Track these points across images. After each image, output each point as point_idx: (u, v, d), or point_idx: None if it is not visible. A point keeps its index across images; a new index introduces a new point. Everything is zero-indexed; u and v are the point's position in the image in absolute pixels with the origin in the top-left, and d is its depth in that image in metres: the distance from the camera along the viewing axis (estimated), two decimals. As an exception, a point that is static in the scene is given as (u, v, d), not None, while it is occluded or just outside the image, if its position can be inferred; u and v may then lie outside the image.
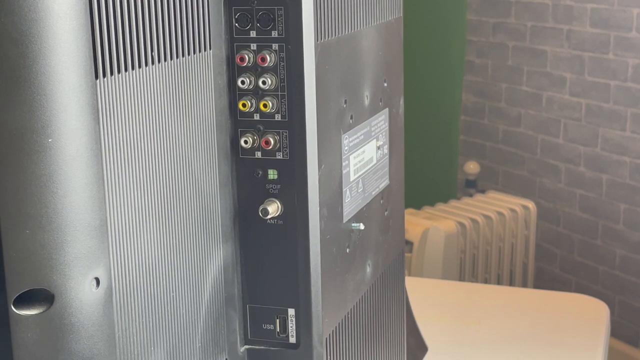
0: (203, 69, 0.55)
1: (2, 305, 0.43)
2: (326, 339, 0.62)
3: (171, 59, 0.51)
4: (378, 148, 0.73)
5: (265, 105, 0.58)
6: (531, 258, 2.37)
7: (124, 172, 0.47)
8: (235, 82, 0.58)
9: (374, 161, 0.72)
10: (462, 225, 2.20)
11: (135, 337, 0.49)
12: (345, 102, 0.64)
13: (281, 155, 0.58)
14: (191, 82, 0.53)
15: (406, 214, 2.03)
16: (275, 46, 0.57)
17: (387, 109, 0.74)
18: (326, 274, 0.61)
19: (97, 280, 0.44)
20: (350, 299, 0.68)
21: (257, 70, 0.57)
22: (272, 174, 0.59)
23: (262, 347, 0.62)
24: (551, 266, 2.60)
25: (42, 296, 0.43)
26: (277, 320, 0.61)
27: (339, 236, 0.64)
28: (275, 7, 0.56)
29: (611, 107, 2.36)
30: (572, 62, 2.45)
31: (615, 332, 2.38)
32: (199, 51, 0.54)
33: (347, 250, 0.66)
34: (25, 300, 0.43)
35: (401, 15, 0.78)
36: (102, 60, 0.44)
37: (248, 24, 0.57)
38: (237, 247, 0.60)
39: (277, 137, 0.58)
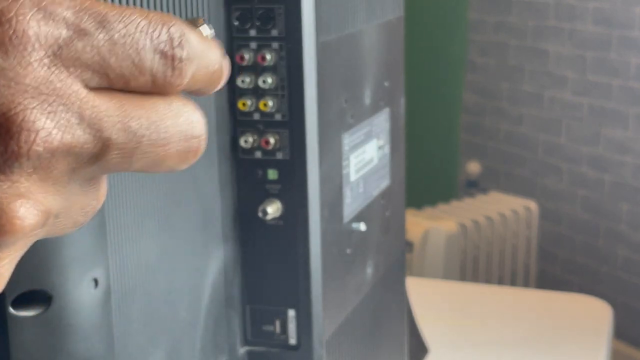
0: (202, 68, 0.54)
1: (0, 306, 0.43)
2: (326, 340, 0.62)
3: (170, 58, 0.50)
4: (379, 148, 0.72)
5: (265, 105, 0.57)
6: (533, 259, 2.37)
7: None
8: (235, 81, 0.57)
9: (375, 161, 0.72)
10: (463, 225, 2.20)
11: (134, 338, 0.48)
12: (346, 101, 0.64)
13: (281, 155, 0.58)
14: (190, 81, 0.53)
15: (407, 214, 2.03)
16: (275, 45, 0.56)
17: (388, 108, 0.74)
18: (326, 274, 0.61)
19: (96, 281, 0.44)
20: (351, 300, 0.67)
21: (256, 70, 0.57)
22: (272, 174, 0.59)
23: (262, 349, 0.61)
24: (553, 267, 2.59)
25: (41, 297, 0.43)
26: (277, 321, 0.61)
27: (339, 237, 0.64)
28: (275, 6, 0.56)
29: (613, 107, 2.35)
30: (574, 61, 2.44)
31: (618, 333, 2.38)
32: (199, 50, 0.54)
33: (348, 251, 0.66)
34: (23, 301, 0.43)
35: (402, 14, 0.78)
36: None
37: (248, 22, 0.57)
38: (237, 248, 0.60)
39: (277, 137, 0.58)
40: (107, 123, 0.24)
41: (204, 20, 0.27)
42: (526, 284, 2.38)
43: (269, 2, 0.56)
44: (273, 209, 0.58)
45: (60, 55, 0.24)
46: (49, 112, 0.24)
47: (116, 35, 0.24)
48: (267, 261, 0.60)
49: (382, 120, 0.73)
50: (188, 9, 0.52)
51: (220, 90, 0.56)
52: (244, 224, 0.60)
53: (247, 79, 0.57)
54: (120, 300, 0.47)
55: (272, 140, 0.58)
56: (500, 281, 2.33)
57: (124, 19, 0.25)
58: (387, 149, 0.75)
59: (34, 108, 0.23)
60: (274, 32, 0.56)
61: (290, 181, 0.58)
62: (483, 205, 2.32)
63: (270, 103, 0.57)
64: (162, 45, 0.25)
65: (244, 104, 0.58)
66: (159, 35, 0.25)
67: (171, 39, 0.25)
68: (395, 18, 0.76)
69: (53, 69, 0.24)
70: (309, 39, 0.57)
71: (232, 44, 0.57)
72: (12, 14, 0.23)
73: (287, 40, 0.56)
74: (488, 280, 2.30)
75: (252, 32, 0.57)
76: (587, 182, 2.46)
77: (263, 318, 0.61)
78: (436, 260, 2.14)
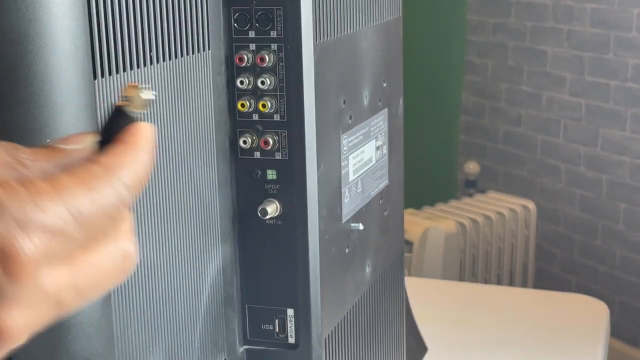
0: (202, 69, 0.55)
1: None
2: (325, 339, 0.62)
3: (170, 59, 0.51)
4: (377, 148, 0.73)
5: (264, 106, 0.58)
6: (531, 258, 2.37)
7: (123, 172, 0.47)
8: (234, 82, 0.58)
9: (373, 161, 0.72)
10: (462, 225, 2.20)
11: (133, 338, 0.49)
12: (345, 102, 0.64)
13: (280, 156, 0.58)
14: (190, 82, 0.53)
15: (406, 214, 2.03)
16: (274, 46, 0.57)
17: (386, 109, 0.74)
18: (325, 274, 0.61)
19: (96, 281, 0.44)
20: (350, 299, 0.68)
21: (256, 71, 0.57)
22: (271, 174, 0.59)
23: (261, 348, 0.62)
24: (551, 266, 2.60)
25: (41, 296, 0.43)
26: (276, 320, 0.61)
27: (338, 236, 0.64)
28: (274, 7, 0.56)
29: (611, 107, 2.36)
30: (572, 62, 2.45)
31: (615, 332, 2.38)
32: (198, 51, 0.54)
33: (346, 250, 0.66)
34: (23, 300, 0.43)
35: (400, 15, 0.78)
36: (100, 61, 0.44)
37: (247, 24, 0.57)
38: (236, 248, 0.60)
39: (276, 137, 0.58)
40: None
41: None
42: (524, 283, 2.38)
43: (268, 3, 0.56)
44: (272, 209, 0.59)
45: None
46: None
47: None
48: (265, 261, 0.60)
49: (380, 121, 0.73)
50: (187, 9, 0.53)
51: (220, 91, 0.57)
52: (243, 223, 0.60)
53: (246, 80, 0.57)
54: (120, 300, 0.47)
55: (271, 141, 0.58)
56: (499, 280, 2.33)
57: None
58: (385, 150, 0.75)
59: None
60: (273, 34, 0.57)
61: (289, 181, 0.59)
62: (482, 205, 2.32)
63: (269, 104, 0.57)
64: None
65: (243, 105, 0.58)
66: None
67: None
68: (394, 19, 0.76)
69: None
70: (308, 40, 0.57)
71: (231, 45, 0.57)
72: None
73: (285, 42, 0.56)
74: (486, 279, 2.30)
75: (251, 34, 0.57)
76: (585, 182, 2.46)
77: (262, 317, 0.61)
78: (435, 260, 2.14)
